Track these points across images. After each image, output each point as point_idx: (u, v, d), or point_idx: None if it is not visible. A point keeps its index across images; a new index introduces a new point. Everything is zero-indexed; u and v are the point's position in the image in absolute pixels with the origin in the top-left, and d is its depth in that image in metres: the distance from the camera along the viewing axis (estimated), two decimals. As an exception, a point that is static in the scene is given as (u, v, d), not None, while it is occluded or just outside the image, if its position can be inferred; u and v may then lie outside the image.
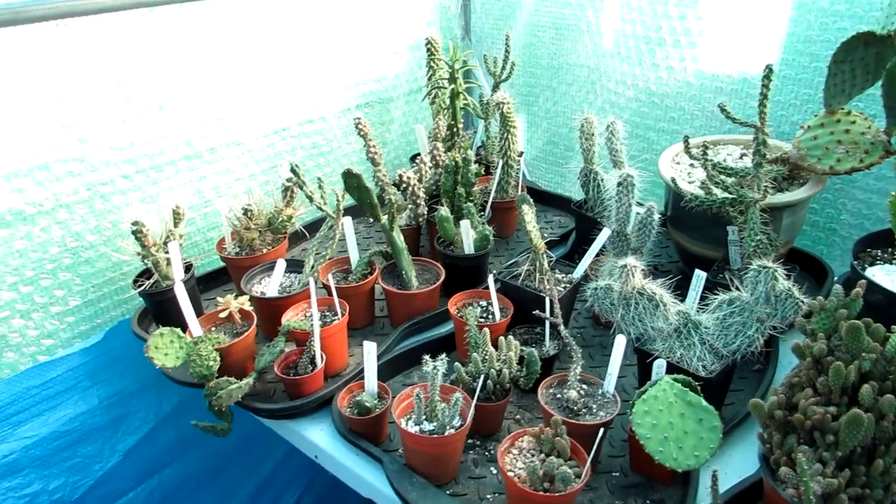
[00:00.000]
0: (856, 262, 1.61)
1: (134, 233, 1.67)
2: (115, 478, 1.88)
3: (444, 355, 1.32)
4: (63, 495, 1.80)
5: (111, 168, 1.75)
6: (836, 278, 1.80)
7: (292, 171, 1.65)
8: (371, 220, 2.30)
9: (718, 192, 1.65)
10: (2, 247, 1.60)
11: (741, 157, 1.89)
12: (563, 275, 1.75)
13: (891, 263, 1.59)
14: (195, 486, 2.16)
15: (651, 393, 1.22)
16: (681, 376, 1.26)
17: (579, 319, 1.83)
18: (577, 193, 2.47)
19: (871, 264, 1.60)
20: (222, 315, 1.61)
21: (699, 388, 1.25)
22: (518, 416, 1.50)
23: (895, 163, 1.65)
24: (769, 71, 1.50)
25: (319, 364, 1.50)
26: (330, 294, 1.64)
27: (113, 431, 1.88)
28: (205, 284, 1.96)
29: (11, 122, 1.56)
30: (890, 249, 1.63)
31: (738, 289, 1.41)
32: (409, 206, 1.97)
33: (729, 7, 1.90)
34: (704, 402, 1.20)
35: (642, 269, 1.44)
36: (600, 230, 1.81)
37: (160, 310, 1.77)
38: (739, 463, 1.34)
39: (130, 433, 1.91)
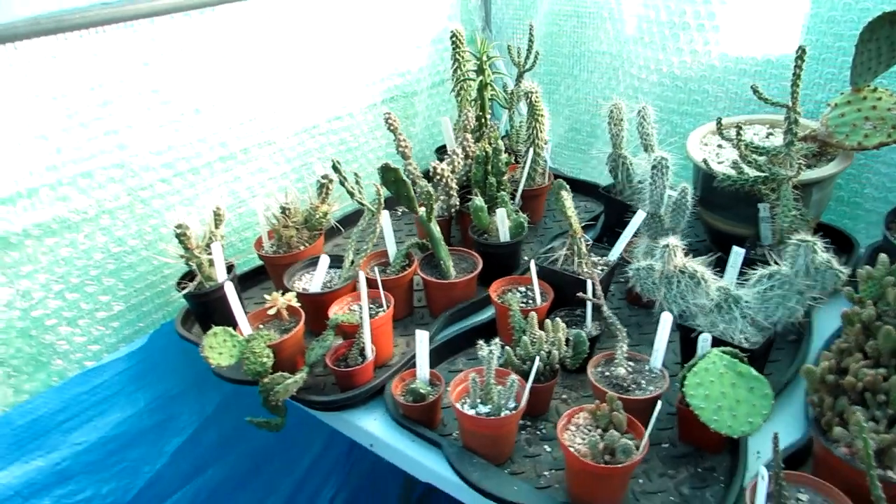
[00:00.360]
0: (888, 233, 1.64)
1: (178, 236, 1.70)
2: (163, 479, 1.91)
3: (496, 339, 1.35)
4: (115, 499, 1.83)
5: (150, 172, 1.78)
6: (862, 250, 1.83)
7: (334, 168, 1.68)
8: (400, 212, 2.36)
9: (750, 171, 1.68)
10: (48, 255, 1.63)
11: (767, 137, 1.92)
12: (599, 257, 1.78)
13: (923, 233, 1.63)
14: (238, 483, 2.20)
15: (701, 365, 1.26)
16: (728, 349, 1.29)
17: (613, 301, 1.85)
18: (599, 178, 2.51)
19: (904, 234, 1.63)
20: (270, 312, 1.64)
21: (745, 359, 1.28)
22: (564, 396, 1.53)
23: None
24: (802, 52, 1.53)
25: (370, 356, 1.53)
26: (375, 287, 1.67)
27: (159, 434, 1.91)
28: (242, 284, 1.99)
29: (56, 130, 1.58)
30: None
31: (776, 263, 1.44)
32: (442, 196, 1.99)
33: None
34: (754, 372, 1.23)
35: (682, 248, 1.47)
36: (630, 213, 1.84)
37: (204, 311, 1.80)
38: (783, 428, 1.35)
39: (176, 434, 1.94)
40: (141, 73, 1.71)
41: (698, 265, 1.45)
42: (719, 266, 1.54)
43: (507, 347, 1.42)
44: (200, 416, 1.99)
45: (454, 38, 2.16)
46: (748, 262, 1.51)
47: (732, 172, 1.70)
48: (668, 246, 1.44)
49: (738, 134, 1.66)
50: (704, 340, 1.35)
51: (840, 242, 1.88)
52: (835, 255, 1.37)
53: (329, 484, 2.51)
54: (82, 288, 1.72)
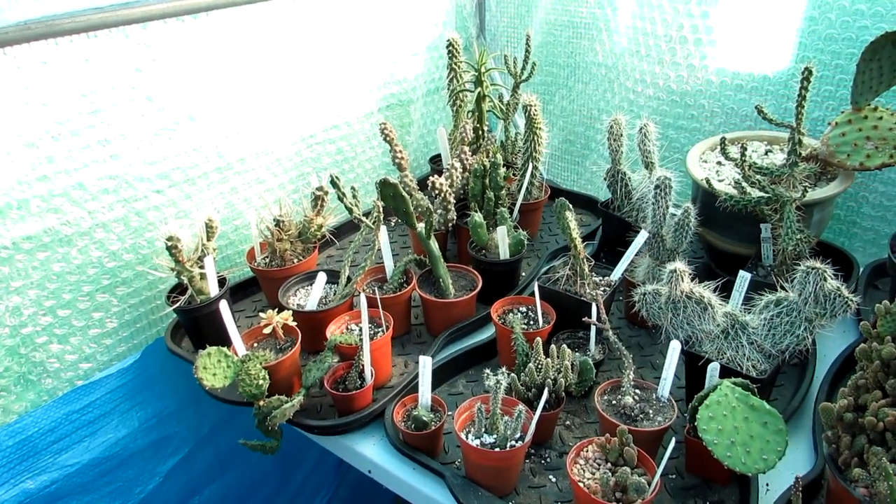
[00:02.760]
0: (893, 255, 1.65)
1: (168, 248, 1.65)
2: (156, 500, 1.87)
3: (503, 368, 1.33)
4: (105, 521, 1.79)
5: (145, 183, 1.73)
6: (861, 269, 1.84)
7: (333, 183, 1.64)
8: (394, 222, 2.32)
9: (753, 192, 1.67)
10: (39, 270, 1.58)
11: (766, 153, 1.91)
12: (601, 277, 1.76)
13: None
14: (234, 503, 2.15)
15: (713, 398, 1.24)
16: (739, 379, 1.28)
17: (614, 319, 1.84)
18: (593, 191, 2.50)
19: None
20: (266, 331, 1.60)
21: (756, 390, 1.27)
22: (568, 423, 1.52)
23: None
24: (808, 73, 1.52)
25: (369, 379, 1.50)
26: (373, 305, 1.64)
27: (153, 453, 1.86)
28: (233, 296, 1.95)
29: (47, 138, 1.53)
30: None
31: (782, 287, 1.44)
32: (439, 210, 1.96)
33: (750, 5, 1.92)
34: (767, 406, 1.22)
35: (689, 273, 1.45)
36: (628, 229, 1.83)
37: (195, 325, 1.76)
38: (790, 457, 1.35)
39: (170, 454, 1.89)
40: (134, 80, 1.65)
41: (705, 290, 1.44)
42: (723, 289, 1.53)
43: (513, 375, 1.40)
44: (197, 435, 1.95)
45: (450, 47, 2.13)
46: (751, 284, 1.50)
47: (735, 192, 1.69)
48: (675, 271, 1.42)
49: (743, 154, 1.65)
50: (713, 370, 1.34)
51: (839, 262, 1.89)
52: (843, 282, 1.36)
53: (319, 497, 2.48)
54: (74, 304, 1.67)
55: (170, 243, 1.65)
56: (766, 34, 1.95)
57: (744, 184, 1.67)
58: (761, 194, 1.65)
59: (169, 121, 1.74)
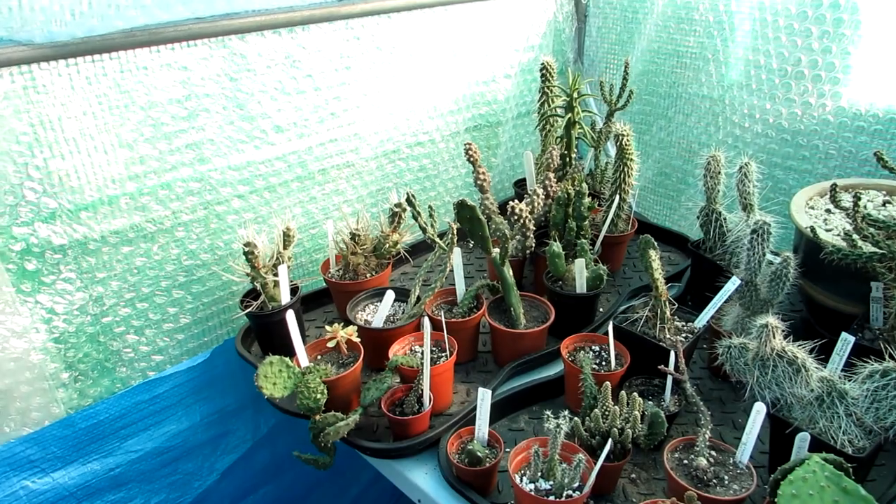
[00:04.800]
0: None
1: (245, 254, 1.68)
2: (213, 496, 1.90)
3: (565, 412, 1.25)
4: (164, 511, 1.83)
5: (227, 188, 1.77)
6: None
7: (408, 201, 1.61)
8: (471, 244, 2.27)
9: (865, 246, 1.51)
10: (122, 263, 1.64)
11: (884, 205, 1.74)
12: (683, 322, 1.64)
13: None
14: (286, 507, 2.16)
15: (798, 473, 1.11)
16: (832, 456, 1.14)
17: (695, 369, 1.71)
18: (686, 229, 2.36)
19: None
20: (330, 345, 1.59)
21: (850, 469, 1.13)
22: (633, 475, 1.41)
23: None
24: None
25: (427, 405, 1.46)
26: (439, 328, 1.59)
27: (212, 449, 1.89)
28: (306, 305, 1.96)
29: (141, 140, 1.59)
30: None
31: (891, 356, 1.28)
32: (517, 236, 1.90)
33: (880, 41, 1.75)
34: (863, 490, 1.07)
35: (783, 330, 1.32)
36: (719, 274, 1.70)
37: (264, 331, 1.77)
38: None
39: (229, 452, 1.92)
40: (227, 89, 1.70)
41: (799, 350, 1.31)
42: (821, 351, 1.39)
43: (576, 419, 1.31)
44: (255, 436, 1.97)
45: (544, 71, 2.07)
46: (855, 348, 1.35)
47: (844, 245, 1.53)
48: (766, 325, 1.30)
49: (856, 203, 1.50)
50: (802, 440, 1.20)
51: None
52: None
53: (375, 511, 2.46)
54: (152, 298, 1.72)
55: (247, 249, 1.67)
56: (896, 74, 1.78)
57: (855, 236, 1.51)
58: (874, 250, 1.48)
59: (256, 129, 1.78)
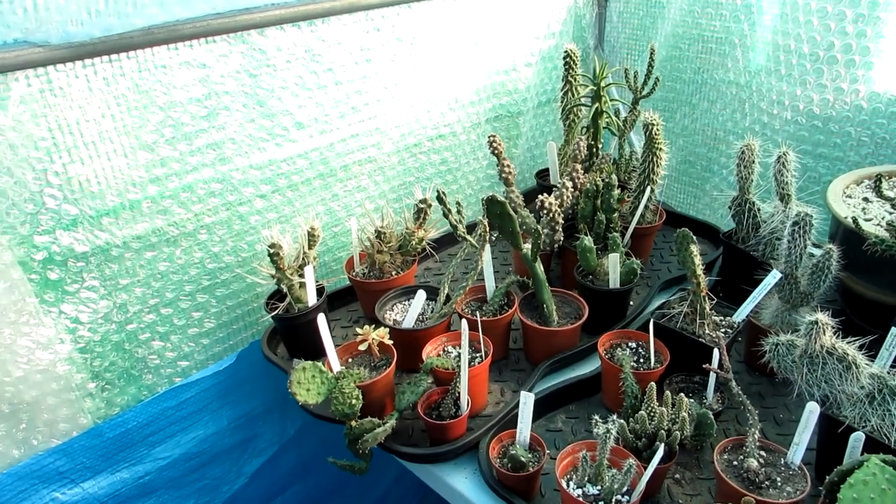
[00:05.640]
0: None
1: (270, 255, 1.64)
2: (241, 500, 1.88)
3: (613, 416, 1.22)
4: (193, 518, 1.81)
5: (249, 188, 1.73)
6: None
7: (439, 199, 1.57)
8: (495, 237, 2.23)
9: (909, 236, 1.47)
10: (146, 269, 1.60)
11: (923, 192, 1.69)
12: (721, 317, 1.61)
13: None
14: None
15: (858, 476, 1.08)
16: (889, 457, 1.11)
17: (732, 363, 1.64)
18: (712, 217, 2.32)
19: None
20: (361, 348, 1.55)
21: (911, 471, 1.10)
22: (678, 476, 1.38)
23: None
24: None
25: (465, 409, 1.43)
26: (471, 328, 1.55)
27: (240, 453, 1.87)
28: (330, 304, 1.92)
29: (161, 142, 1.54)
30: None
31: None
32: (545, 230, 1.86)
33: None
34: (927, 494, 1.05)
35: (832, 327, 1.28)
36: (753, 264, 1.67)
37: (291, 333, 1.74)
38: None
39: (256, 455, 1.90)
40: (247, 85, 1.65)
41: (849, 347, 1.27)
42: (870, 347, 1.35)
43: (621, 421, 1.28)
44: (282, 438, 1.95)
45: (567, 59, 2.02)
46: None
47: (887, 235, 1.49)
48: (816, 322, 1.26)
49: (900, 194, 1.46)
50: (856, 440, 1.17)
51: None
52: None
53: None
54: (176, 303, 1.69)
55: (272, 250, 1.63)
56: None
57: (898, 226, 1.48)
58: (920, 239, 1.45)
59: (277, 127, 1.73)
